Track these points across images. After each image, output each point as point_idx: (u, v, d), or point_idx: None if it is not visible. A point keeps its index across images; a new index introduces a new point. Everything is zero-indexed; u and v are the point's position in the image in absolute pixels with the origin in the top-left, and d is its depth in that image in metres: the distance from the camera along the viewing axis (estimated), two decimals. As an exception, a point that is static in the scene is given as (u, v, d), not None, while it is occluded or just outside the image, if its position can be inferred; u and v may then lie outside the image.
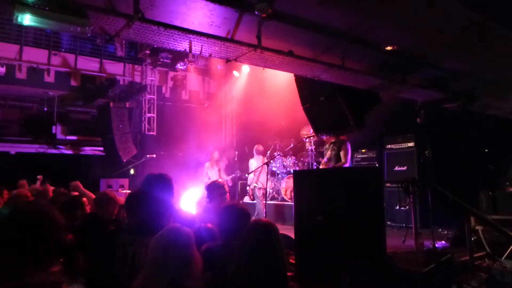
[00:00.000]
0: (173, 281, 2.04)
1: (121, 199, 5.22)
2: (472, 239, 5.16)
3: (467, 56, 5.19)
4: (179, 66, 12.01)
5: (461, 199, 5.59)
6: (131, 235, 2.73)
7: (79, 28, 3.40)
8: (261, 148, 9.57)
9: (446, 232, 7.05)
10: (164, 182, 3.16)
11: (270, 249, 2.29)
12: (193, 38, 4.09)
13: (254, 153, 9.56)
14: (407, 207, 6.97)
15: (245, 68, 11.56)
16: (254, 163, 9.37)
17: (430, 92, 6.13)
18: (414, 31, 4.51)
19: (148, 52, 11.61)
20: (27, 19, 3.19)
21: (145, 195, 2.89)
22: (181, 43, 4.17)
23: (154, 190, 2.96)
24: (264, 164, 8.26)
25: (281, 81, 9.45)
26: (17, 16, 3.17)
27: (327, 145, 7.09)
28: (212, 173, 9.49)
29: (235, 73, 12.09)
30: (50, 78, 10.64)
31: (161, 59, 11.89)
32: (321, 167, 7.39)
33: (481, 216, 5.61)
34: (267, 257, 2.26)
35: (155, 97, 12.27)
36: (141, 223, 2.74)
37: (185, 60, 11.60)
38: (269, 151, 10.65)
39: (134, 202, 2.90)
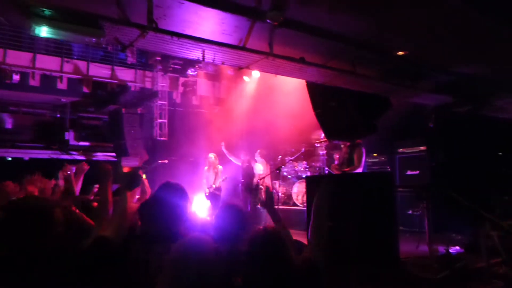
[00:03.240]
0: None
1: (135, 206, 5.26)
2: (488, 245, 5.10)
3: (479, 60, 5.17)
4: (190, 72, 12.09)
5: (475, 204, 5.55)
6: (144, 243, 2.72)
7: (94, 39, 3.46)
8: (264, 152, 9.55)
9: (460, 237, 6.98)
10: (178, 191, 3.16)
11: (277, 259, 2.27)
12: (206, 47, 4.13)
13: (258, 157, 9.48)
14: (420, 212, 6.92)
15: (255, 73, 11.57)
16: (260, 166, 9.33)
17: (442, 97, 6.11)
18: (425, 36, 4.50)
19: (158, 58, 11.70)
20: (44, 31, 3.25)
21: (159, 203, 2.89)
22: (194, 52, 4.22)
23: (168, 198, 2.96)
24: (276, 169, 8.29)
25: (291, 85, 9.45)
26: (34, 28, 3.24)
27: (343, 147, 7.09)
28: (209, 177, 9.40)
29: (245, 78, 12.12)
30: (62, 85, 10.77)
31: (172, 65, 11.98)
32: (333, 171, 7.38)
33: (496, 221, 5.54)
34: (275, 267, 2.25)
35: (166, 102, 12.35)
36: (154, 231, 2.73)
37: (196, 66, 11.68)
38: (280, 156, 10.67)
39: (147, 210, 2.91)
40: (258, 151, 9.52)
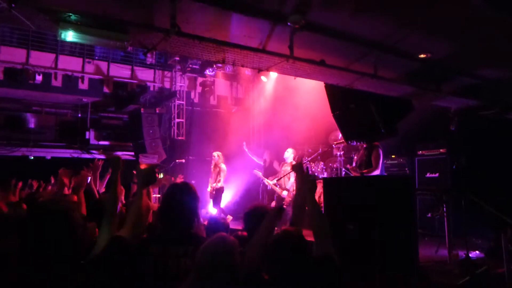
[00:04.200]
0: None
1: (155, 205, 5.33)
2: (509, 250, 5.01)
3: (503, 63, 5.07)
4: (208, 72, 12.17)
5: (496, 208, 5.46)
6: (161, 245, 2.67)
7: (118, 43, 3.52)
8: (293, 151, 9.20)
9: (480, 241, 6.87)
10: (190, 191, 3.14)
11: (299, 257, 2.31)
12: (227, 50, 4.16)
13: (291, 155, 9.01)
14: (439, 215, 6.83)
15: (273, 73, 11.58)
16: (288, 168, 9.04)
17: (465, 100, 6.01)
18: (449, 39, 4.44)
19: (177, 58, 11.82)
20: (70, 36, 3.32)
21: (176, 204, 2.88)
22: (215, 55, 4.25)
23: (185, 199, 2.93)
24: (292, 170, 8.23)
25: (309, 86, 9.41)
26: (61, 33, 3.31)
27: (359, 149, 7.05)
28: (213, 175, 9.45)
29: (263, 78, 12.14)
30: (84, 86, 10.99)
31: (190, 65, 12.09)
32: (351, 172, 7.34)
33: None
34: (297, 265, 2.28)
35: (184, 102, 12.47)
36: (172, 233, 2.73)
37: (214, 66, 11.75)
38: (297, 157, 10.63)
39: (166, 212, 2.92)
40: (292, 150, 9.04)
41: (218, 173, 9.31)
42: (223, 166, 9.36)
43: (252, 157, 10.11)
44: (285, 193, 8.72)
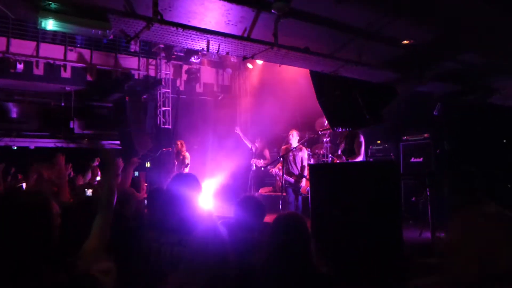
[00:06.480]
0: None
1: (140, 195, 5.32)
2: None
3: (485, 48, 5.13)
4: (193, 59, 12.05)
5: (479, 191, 5.56)
6: (156, 232, 2.72)
7: (100, 31, 3.47)
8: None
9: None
10: (192, 181, 3.13)
11: (299, 240, 2.37)
12: (211, 38, 4.14)
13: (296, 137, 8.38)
14: (423, 199, 6.96)
15: (259, 60, 11.55)
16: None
17: (448, 85, 6.09)
18: (431, 25, 4.48)
19: (162, 46, 11.66)
20: (50, 24, 3.26)
21: (171, 193, 2.88)
22: (199, 43, 4.22)
23: (180, 189, 2.93)
24: (279, 157, 8.24)
25: (295, 72, 9.41)
26: (40, 22, 3.25)
27: (340, 138, 7.10)
28: (177, 163, 9.63)
29: (249, 65, 12.09)
30: (66, 74, 10.78)
31: (175, 53, 11.94)
32: (336, 160, 7.40)
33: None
34: (296, 249, 2.34)
35: (169, 90, 12.36)
36: (165, 222, 2.75)
37: (199, 53, 11.63)
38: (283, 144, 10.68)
39: (158, 200, 2.92)
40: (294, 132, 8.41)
41: (183, 161, 9.49)
42: (187, 154, 9.59)
43: (245, 141, 10.16)
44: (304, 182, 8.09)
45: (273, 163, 8.75)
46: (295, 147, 8.02)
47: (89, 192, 4.07)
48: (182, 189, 2.78)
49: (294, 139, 8.09)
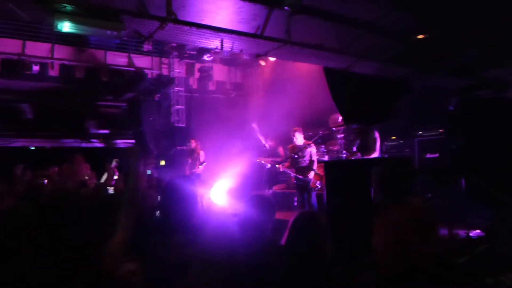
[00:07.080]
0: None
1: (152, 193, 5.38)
2: (510, 228, 5.05)
3: (500, 42, 5.04)
4: (206, 57, 12.07)
5: (496, 187, 5.47)
6: (162, 235, 2.70)
7: (115, 32, 3.50)
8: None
9: (480, 220, 6.91)
10: (190, 181, 3.14)
11: (316, 238, 2.37)
12: (224, 36, 4.14)
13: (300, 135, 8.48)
14: (439, 195, 6.87)
15: (272, 57, 11.50)
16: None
17: (462, 80, 5.99)
18: (445, 19, 4.41)
19: (174, 45, 11.70)
20: (66, 27, 3.30)
21: (176, 194, 2.88)
22: (213, 41, 4.23)
23: (186, 189, 2.93)
24: (292, 154, 8.21)
25: (308, 68, 9.37)
26: (56, 24, 3.29)
27: (354, 135, 7.04)
28: (190, 161, 9.81)
29: (261, 62, 12.06)
30: (80, 74, 10.89)
31: (188, 51, 11.98)
32: (350, 156, 7.36)
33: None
34: (313, 250, 2.35)
35: (183, 89, 12.41)
36: (173, 223, 2.73)
37: (211, 51, 11.65)
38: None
39: (167, 202, 2.92)
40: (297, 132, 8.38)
41: (198, 159, 9.65)
42: (201, 152, 9.81)
43: (259, 136, 10.29)
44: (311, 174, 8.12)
45: (281, 161, 8.75)
46: (302, 145, 8.05)
47: (110, 190, 4.14)
48: (187, 189, 2.79)
49: (299, 138, 8.13)
